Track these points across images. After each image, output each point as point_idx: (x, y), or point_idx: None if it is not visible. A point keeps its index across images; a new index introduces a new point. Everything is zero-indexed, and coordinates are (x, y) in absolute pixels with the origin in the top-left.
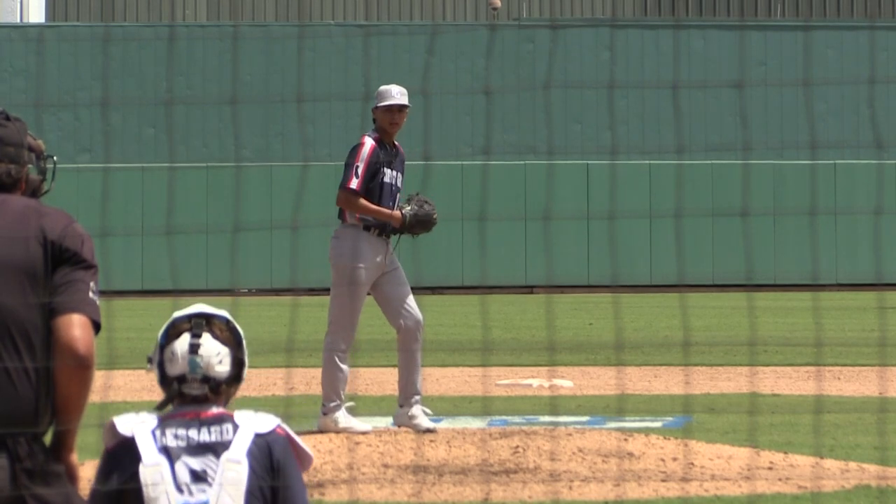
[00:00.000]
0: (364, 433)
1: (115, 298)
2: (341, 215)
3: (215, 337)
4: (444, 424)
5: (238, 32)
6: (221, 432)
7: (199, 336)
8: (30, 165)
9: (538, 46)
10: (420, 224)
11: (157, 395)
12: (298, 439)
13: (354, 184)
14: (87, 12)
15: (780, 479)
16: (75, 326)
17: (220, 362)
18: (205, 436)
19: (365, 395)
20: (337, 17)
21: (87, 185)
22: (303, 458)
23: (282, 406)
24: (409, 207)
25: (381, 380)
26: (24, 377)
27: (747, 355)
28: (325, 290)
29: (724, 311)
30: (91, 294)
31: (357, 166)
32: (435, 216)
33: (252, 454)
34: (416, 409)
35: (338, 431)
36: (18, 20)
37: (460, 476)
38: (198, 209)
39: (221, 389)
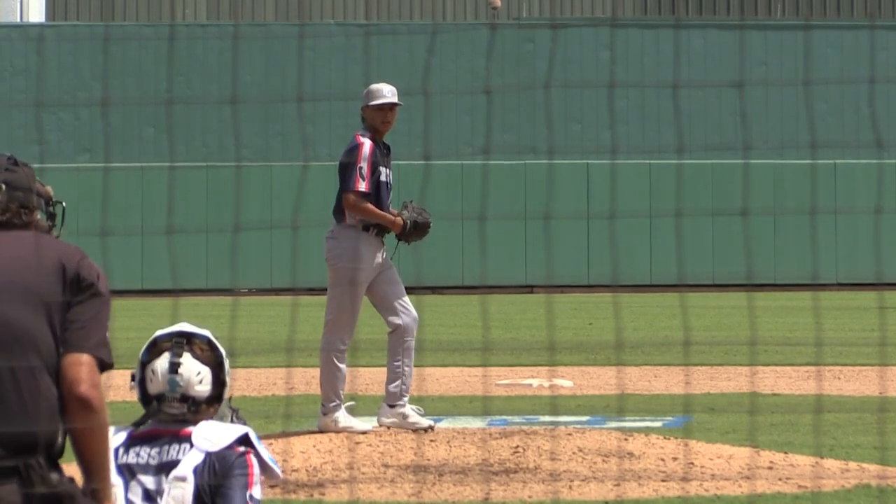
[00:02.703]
0: (364, 433)
1: (115, 298)
2: (339, 215)
3: (196, 357)
4: (444, 424)
5: (238, 32)
6: (179, 451)
7: (179, 355)
8: (39, 211)
9: (538, 46)
10: (417, 232)
11: None
12: (267, 454)
13: (362, 186)
14: (87, 12)
15: (780, 479)
16: (81, 368)
17: (201, 382)
18: (164, 455)
19: (365, 394)
20: (337, 16)
21: (87, 185)
22: (268, 472)
23: (282, 406)
24: (407, 214)
25: (381, 379)
26: (39, 399)
27: (747, 355)
28: (325, 290)
29: (724, 311)
30: (104, 332)
31: (360, 167)
32: (430, 225)
33: (199, 471)
34: (408, 409)
35: (338, 431)
36: (18, 20)
37: (460, 476)
38: (198, 209)
39: (201, 409)
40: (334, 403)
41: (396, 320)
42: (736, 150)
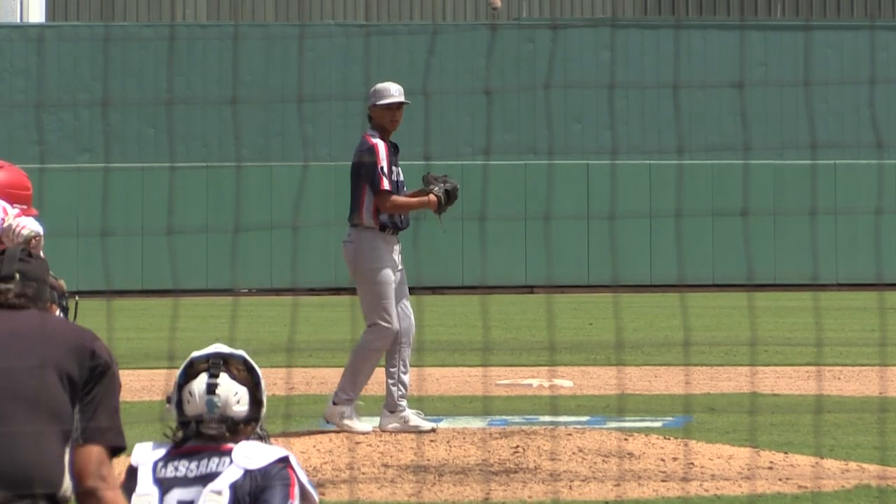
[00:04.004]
0: (364, 433)
1: (115, 298)
2: (355, 218)
3: (233, 377)
4: (444, 424)
5: (238, 32)
6: (219, 464)
7: (216, 376)
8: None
9: (538, 46)
10: (450, 200)
11: (156, 394)
12: (305, 478)
13: (387, 184)
14: (87, 12)
15: (780, 479)
16: (91, 460)
17: (238, 402)
18: (202, 468)
19: (365, 394)
20: (337, 17)
21: (87, 185)
22: (306, 497)
23: (282, 406)
24: (436, 188)
25: (381, 380)
26: (48, 445)
27: (747, 355)
28: (326, 290)
29: (724, 311)
30: (117, 415)
31: (382, 167)
32: (458, 187)
33: (236, 486)
34: (409, 413)
35: (339, 426)
36: (18, 20)
37: (460, 476)
38: (198, 209)
39: (239, 428)
40: (348, 397)
41: (396, 323)
42: (736, 150)
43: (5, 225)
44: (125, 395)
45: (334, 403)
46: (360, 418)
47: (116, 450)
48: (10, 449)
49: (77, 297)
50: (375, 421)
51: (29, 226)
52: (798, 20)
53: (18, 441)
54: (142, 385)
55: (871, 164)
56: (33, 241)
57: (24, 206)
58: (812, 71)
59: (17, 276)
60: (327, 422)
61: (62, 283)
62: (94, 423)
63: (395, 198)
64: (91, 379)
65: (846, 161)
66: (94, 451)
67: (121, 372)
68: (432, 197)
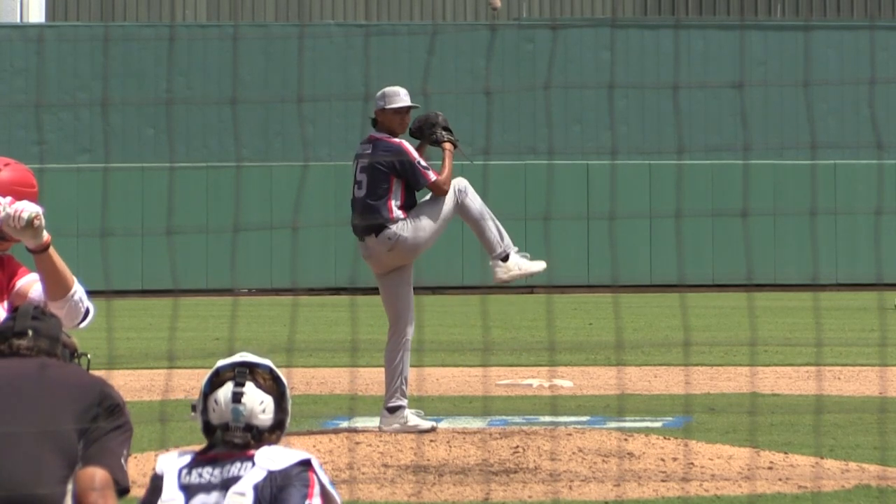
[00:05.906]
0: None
1: (115, 298)
2: (384, 217)
3: (259, 386)
4: (444, 424)
5: (238, 32)
6: (241, 468)
7: (242, 385)
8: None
9: (538, 46)
10: (452, 131)
11: (156, 394)
12: (327, 480)
13: (433, 176)
14: (87, 12)
15: (780, 479)
16: (94, 480)
17: (264, 411)
18: (225, 473)
19: (364, 395)
20: (337, 17)
21: (87, 185)
22: (329, 500)
23: None
24: (438, 135)
25: (381, 379)
26: (50, 472)
27: (747, 355)
28: (326, 290)
29: (724, 311)
30: (121, 458)
31: (419, 161)
32: (436, 115)
33: (259, 488)
34: (408, 412)
35: (515, 276)
36: (18, 20)
37: (460, 476)
38: (198, 209)
39: (264, 437)
40: (507, 248)
41: (454, 184)
42: (736, 150)
43: (3, 214)
44: (126, 395)
45: (503, 259)
46: (359, 417)
47: (120, 489)
48: (11, 473)
49: (89, 356)
50: (376, 421)
51: (27, 208)
52: (798, 20)
53: (19, 466)
54: (142, 385)
55: (871, 164)
56: (36, 221)
57: None
58: (812, 71)
59: (31, 332)
60: (506, 281)
61: (74, 340)
62: (101, 452)
63: (440, 178)
64: (100, 415)
65: (846, 161)
66: (98, 473)
67: (120, 372)
68: (448, 146)
